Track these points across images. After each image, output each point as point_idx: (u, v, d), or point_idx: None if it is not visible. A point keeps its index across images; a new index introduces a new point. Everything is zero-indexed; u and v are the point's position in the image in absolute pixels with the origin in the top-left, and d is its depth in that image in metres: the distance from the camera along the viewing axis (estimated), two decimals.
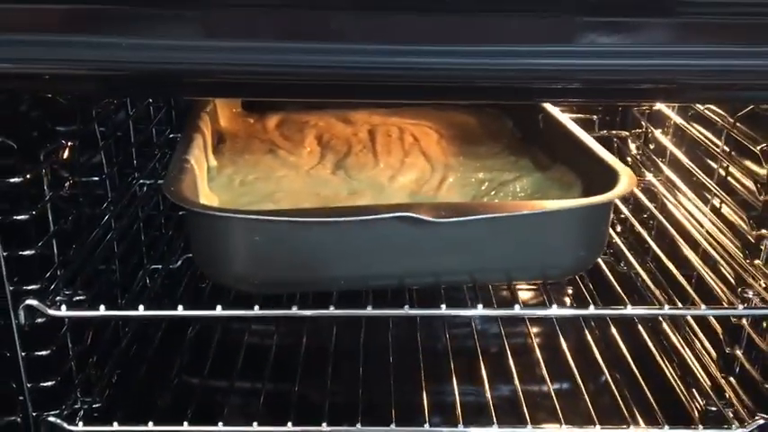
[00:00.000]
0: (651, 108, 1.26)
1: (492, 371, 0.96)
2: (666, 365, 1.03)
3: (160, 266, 1.08)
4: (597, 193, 0.85)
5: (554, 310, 0.86)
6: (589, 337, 1.02)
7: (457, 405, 0.88)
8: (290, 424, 0.84)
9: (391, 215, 0.76)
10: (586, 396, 0.91)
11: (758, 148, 0.89)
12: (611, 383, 0.96)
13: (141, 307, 0.83)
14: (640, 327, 1.08)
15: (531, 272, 0.84)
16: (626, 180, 0.84)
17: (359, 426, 0.84)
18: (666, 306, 0.89)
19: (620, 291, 0.95)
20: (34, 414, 0.86)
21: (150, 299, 0.96)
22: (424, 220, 0.75)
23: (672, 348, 1.06)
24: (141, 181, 1.16)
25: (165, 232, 1.22)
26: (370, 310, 0.83)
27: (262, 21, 0.67)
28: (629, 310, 0.87)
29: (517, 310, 0.84)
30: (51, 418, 0.87)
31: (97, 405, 0.95)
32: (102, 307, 0.83)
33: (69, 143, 0.92)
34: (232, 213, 0.79)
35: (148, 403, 0.92)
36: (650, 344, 1.05)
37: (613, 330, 1.06)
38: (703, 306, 0.89)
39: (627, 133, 1.34)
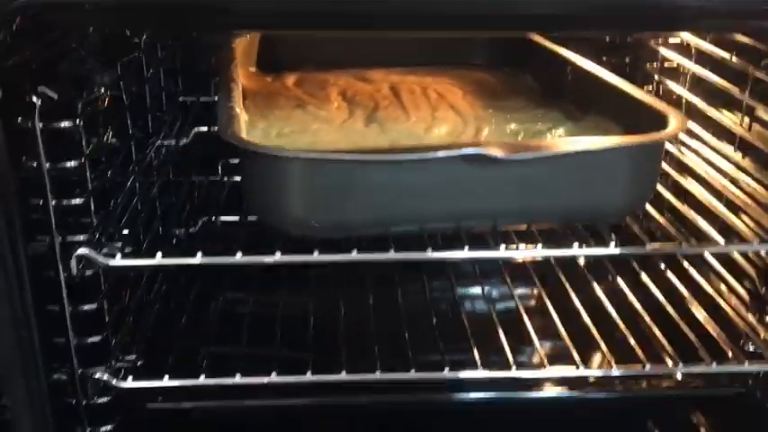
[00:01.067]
0: (663, 62, 1.29)
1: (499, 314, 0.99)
2: (698, 309, 1.06)
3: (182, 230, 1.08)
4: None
5: (578, 250, 0.85)
6: (621, 282, 1.05)
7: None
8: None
9: (462, 152, 0.75)
10: (628, 336, 0.93)
11: None
12: (647, 327, 0.98)
13: (199, 254, 0.81)
14: (669, 273, 1.11)
15: (588, 212, 0.84)
16: (678, 119, 0.85)
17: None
18: (685, 244, 0.92)
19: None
20: (80, 371, 0.83)
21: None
22: (495, 158, 0.75)
23: (703, 292, 1.09)
24: (160, 142, 1.13)
25: (179, 196, 1.20)
26: (430, 253, 0.82)
27: None
28: (649, 247, 0.88)
29: (540, 249, 0.87)
30: (98, 374, 0.84)
31: (139, 361, 0.93)
32: (158, 255, 0.81)
33: (108, 93, 0.89)
34: (297, 154, 0.77)
35: (188, 358, 0.90)
36: (681, 289, 1.08)
37: (644, 276, 1.08)
38: (722, 241, 0.92)
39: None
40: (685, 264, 1.13)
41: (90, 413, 0.83)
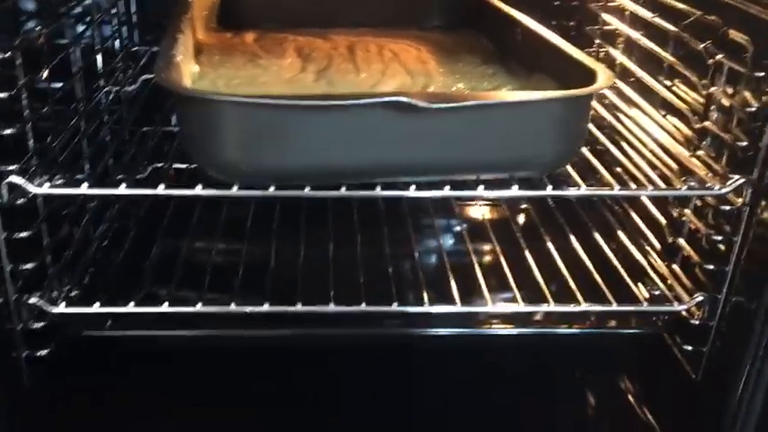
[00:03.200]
0: (603, 26, 1.31)
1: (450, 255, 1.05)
2: (614, 257, 1.09)
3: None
4: None
5: (514, 192, 0.88)
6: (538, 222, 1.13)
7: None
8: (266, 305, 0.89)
9: (383, 99, 0.77)
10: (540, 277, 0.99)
11: (701, 46, 0.94)
12: (562, 268, 1.03)
13: (123, 186, 0.84)
14: (590, 225, 1.15)
15: (513, 165, 0.86)
16: (605, 74, 0.87)
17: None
18: (617, 187, 0.94)
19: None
20: (15, 296, 0.87)
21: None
22: (417, 106, 0.77)
23: (618, 242, 1.13)
24: (108, 88, 1.16)
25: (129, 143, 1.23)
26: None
27: None
28: (572, 191, 0.92)
29: (480, 191, 0.87)
30: (32, 300, 0.88)
31: (76, 291, 0.97)
32: (84, 185, 0.84)
33: (44, 30, 0.92)
34: (226, 96, 0.79)
35: (128, 288, 0.94)
36: (599, 239, 1.12)
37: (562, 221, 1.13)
38: (650, 187, 0.97)
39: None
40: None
41: (26, 337, 0.87)
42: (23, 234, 0.87)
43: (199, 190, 0.86)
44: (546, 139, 0.84)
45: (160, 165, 1.19)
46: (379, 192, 0.88)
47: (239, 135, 0.80)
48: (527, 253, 1.06)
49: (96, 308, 0.89)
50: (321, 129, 0.80)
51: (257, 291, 0.93)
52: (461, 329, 1.02)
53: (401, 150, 0.83)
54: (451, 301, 0.95)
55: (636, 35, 1.17)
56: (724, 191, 0.87)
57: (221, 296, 0.92)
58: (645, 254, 1.10)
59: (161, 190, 0.86)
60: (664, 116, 1.09)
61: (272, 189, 0.86)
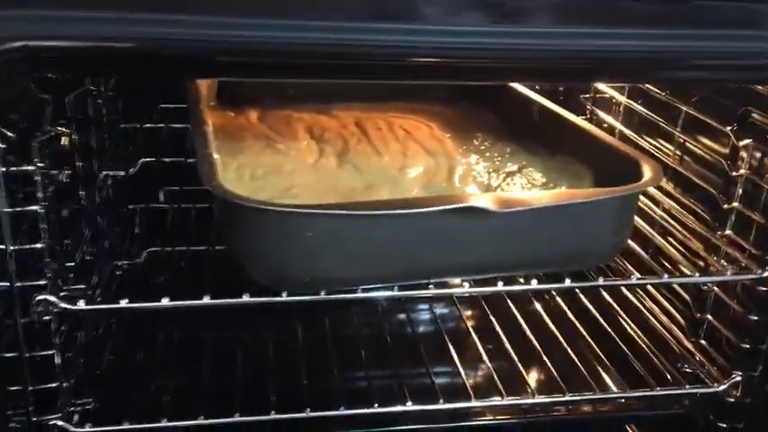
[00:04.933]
0: (596, 93, 1.34)
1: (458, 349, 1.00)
2: (637, 333, 1.10)
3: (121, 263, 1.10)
4: (611, 182, 0.89)
5: (534, 285, 0.87)
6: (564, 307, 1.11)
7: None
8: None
9: (458, 206, 0.76)
10: (551, 366, 0.97)
11: (728, 128, 0.97)
12: (586, 351, 1.03)
13: (166, 299, 0.79)
14: (607, 296, 1.15)
15: (570, 260, 0.86)
16: (652, 168, 0.88)
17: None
18: (635, 276, 0.96)
19: None
20: (35, 419, 0.80)
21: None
22: (488, 211, 0.76)
23: (641, 318, 1.14)
24: (105, 173, 1.11)
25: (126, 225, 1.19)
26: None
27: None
28: (601, 281, 0.92)
29: (500, 287, 0.86)
30: (54, 422, 0.81)
31: (96, 404, 0.90)
32: (124, 300, 0.78)
33: (66, 130, 0.86)
34: (292, 208, 0.75)
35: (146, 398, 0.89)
36: (621, 314, 1.13)
37: (583, 299, 1.13)
38: (666, 276, 0.97)
39: None
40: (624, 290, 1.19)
41: None
42: (45, 352, 0.79)
43: (246, 298, 0.81)
44: (605, 234, 0.85)
45: (157, 249, 1.14)
46: (432, 290, 0.86)
47: (301, 245, 0.76)
48: (560, 336, 1.04)
49: (126, 426, 0.82)
50: (386, 235, 0.78)
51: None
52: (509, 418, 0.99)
53: (461, 251, 0.81)
54: (498, 393, 0.92)
55: (637, 107, 1.19)
56: (766, 275, 0.89)
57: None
58: (669, 330, 1.10)
59: (207, 300, 0.81)
60: (680, 193, 1.10)
61: (322, 293, 0.82)
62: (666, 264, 1.10)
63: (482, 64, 0.71)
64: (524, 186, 1.00)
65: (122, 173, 1.13)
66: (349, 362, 0.98)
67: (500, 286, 0.87)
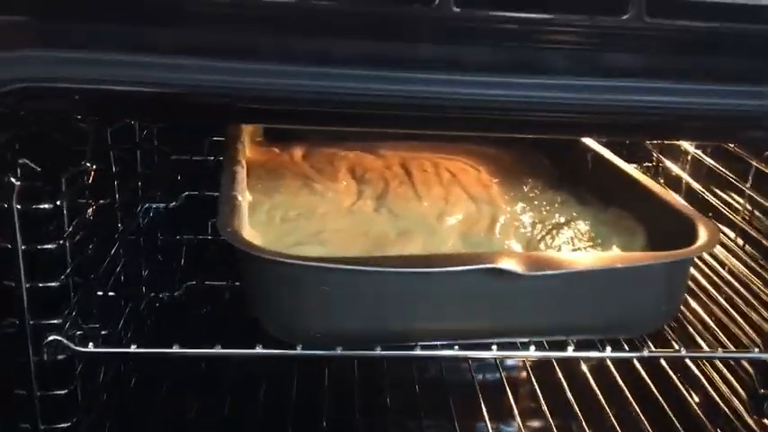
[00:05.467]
0: (663, 141, 1.25)
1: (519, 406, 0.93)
2: (693, 403, 0.99)
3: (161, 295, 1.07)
4: (666, 241, 0.82)
5: (608, 353, 0.80)
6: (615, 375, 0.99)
7: None
8: None
9: (479, 267, 0.70)
10: None
11: None
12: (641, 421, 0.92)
13: (176, 346, 0.76)
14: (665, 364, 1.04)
15: (611, 329, 0.79)
16: (709, 230, 0.80)
17: None
18: (720, 350, 0.87)
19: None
20: None
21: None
22: (515, 273, 0.70)
23: (699, 386, 1.02)
24: (147, 205, 1.10)
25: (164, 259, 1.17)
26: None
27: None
28: (684, 353, 0.84)
29: (570, 352, 0.80)
30: None
31: None
32: (133, 346, 0.76)
33: (93, 166, 0.85)
34: (306, 261, 0.71)
35: None
36: (675, 380, 1.02)
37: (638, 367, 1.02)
38: (720, 350, 0.89)
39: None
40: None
41: None
42: (59, 391, 0.78)
43: (259, 350, 0.78)
44: (649, 301, 0.77)
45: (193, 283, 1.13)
46: (457, 352, 0.80)
47: (310, 298, 0.72)
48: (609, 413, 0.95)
49: None
50: (402, 294, 0.73)
51: None
52: None
53: (486, 313, 0.76)
54: None
55: (704, 157, 1.11)
56: None
57: None
58: (729, 402, 1.00)
59: (218, 350, 0.78)
60: (747, 253, 1.01)
61: (338, 350, 0.78)
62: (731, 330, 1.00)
63: (558, 119, 0.67)
64: (569, 241, 0.93)
65: (163, 204, 1.12)
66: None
67: (531, 351, 0.80)
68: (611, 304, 0.75)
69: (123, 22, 0.62)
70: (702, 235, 0.79)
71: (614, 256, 0.81)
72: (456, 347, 0.79)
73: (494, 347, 0.80)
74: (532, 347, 0.80)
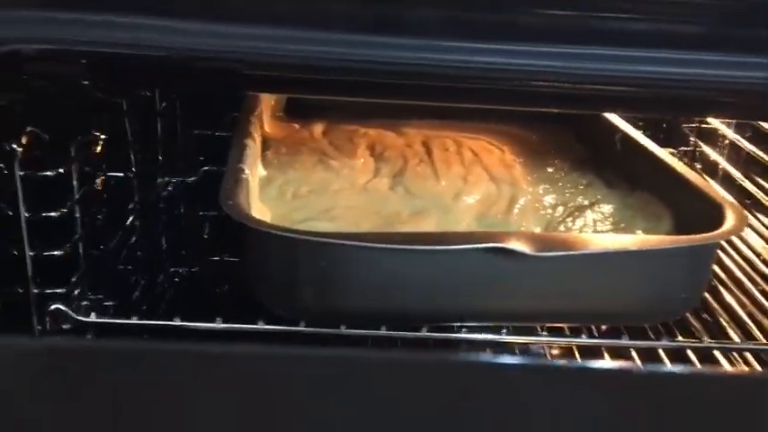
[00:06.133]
0: (701, 125, 1.19)
1: None
2: None
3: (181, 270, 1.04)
4: (693, 226, 0.77)
5: (625, 341, 0.77)
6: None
7: None
8: None
9: (482, 245, 0.67)
10: None
11: None
12: None
13: (178, 319, 0.75)
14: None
15: (627, 316, 0.75)
16: (735, 213, 0.75)
17: None
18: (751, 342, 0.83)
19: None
20: None
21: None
22: (524, 254, 0.66)
23: None
24: (167, 178, 1.09)
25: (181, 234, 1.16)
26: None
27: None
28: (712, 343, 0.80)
29: (583, 339, 0.77)
30: None
31: None
32: (135, 317, 0.75)
33: (102, 136, 0.84)
34: (305, 235, 0.69)
35: None
36: None
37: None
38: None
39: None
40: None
41: None
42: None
43: (261, 325, 0.76)
44: (669, 288, 0.72)
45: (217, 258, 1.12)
46: (463, 335, 0.77)
47: (308, 273, 0.70)
48: None
49: None
50: (403, 270, 0.70)
51: None
52: None
53: (492, 295, 0.72)
54: None
55: (742, 142, 1.05)
56: None
57: None
58: None
59: (219, 324, 0.77)
60: None
61: (342, 328, 0.76)
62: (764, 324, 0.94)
63: (584, 92, 0.63)
64: (590, 225, 0.89)
65: (182, 179, 1.11)
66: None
67: (543, 336, 0.77)
68: (624, 291, 0.71)
69: None
70: (730, 219, 0.74)
71: (630, 238, 0.76)
72: (464, 330, 0.77)
73: (503, 332, 0.77)
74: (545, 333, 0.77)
